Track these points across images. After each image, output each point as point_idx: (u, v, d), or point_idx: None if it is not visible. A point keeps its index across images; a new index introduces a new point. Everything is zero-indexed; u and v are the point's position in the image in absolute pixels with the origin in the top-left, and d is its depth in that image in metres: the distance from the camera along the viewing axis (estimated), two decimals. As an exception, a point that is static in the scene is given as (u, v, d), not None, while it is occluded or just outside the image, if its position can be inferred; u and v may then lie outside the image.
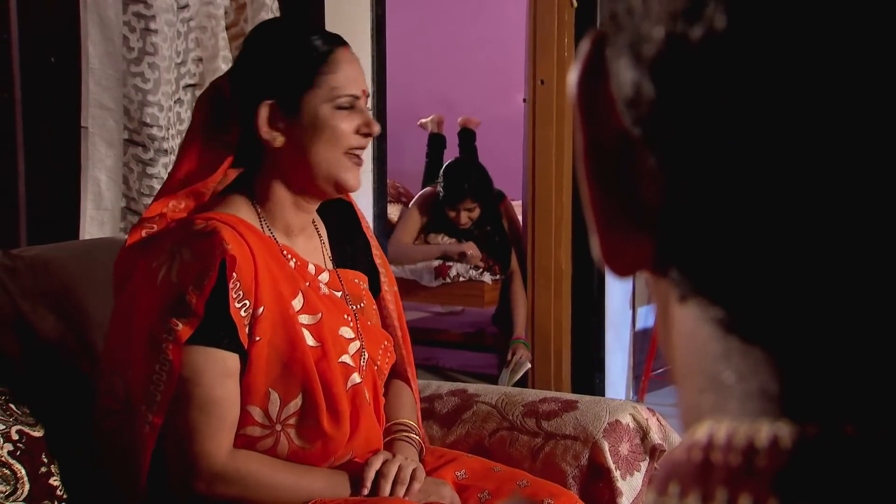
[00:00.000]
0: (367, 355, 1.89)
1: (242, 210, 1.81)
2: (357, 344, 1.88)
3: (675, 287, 0.38)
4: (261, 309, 1.72)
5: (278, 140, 1.76)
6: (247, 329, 1.72)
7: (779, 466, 0.33)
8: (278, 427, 1.76)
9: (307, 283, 1.83)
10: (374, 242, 2.06)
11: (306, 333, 1.78)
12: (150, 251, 1.77)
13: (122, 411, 1.76)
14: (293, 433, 1.77)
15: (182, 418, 1.71)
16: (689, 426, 0.38)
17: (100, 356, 1.84)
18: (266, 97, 1.75)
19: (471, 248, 4.95)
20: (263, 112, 1.75)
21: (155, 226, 1.80)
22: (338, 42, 1.81)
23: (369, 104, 1.86)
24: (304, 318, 1.79)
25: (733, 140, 0.34)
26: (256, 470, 1.74)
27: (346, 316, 1.87)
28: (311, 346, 1.78)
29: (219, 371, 1.71)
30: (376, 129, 1.80)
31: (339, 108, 1.77)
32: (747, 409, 0.36)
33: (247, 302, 1.71)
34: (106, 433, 1.79)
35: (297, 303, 1.79)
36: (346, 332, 1.86)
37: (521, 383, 4.57)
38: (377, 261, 2.06)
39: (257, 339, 1.72)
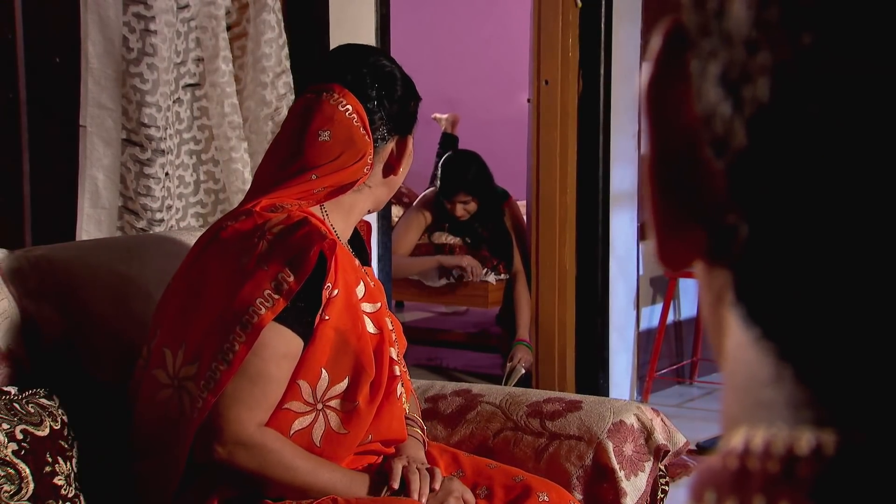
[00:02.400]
0: (398, 345, 1.96)
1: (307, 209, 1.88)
2: (394, 334, 1.95)
3: (733, 286, 0.38)
4: (336, 291, 1.80)
5: (398, 171, 1.95)
6: (321, 309, 1.79)
7: (820, 474, 0.33)
8: (319, 406, 1.81)
9: (362, 272, 1.93)
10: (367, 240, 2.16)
11: (367, 321, 1.86)
12: (226, 238, 1.81)
13: (170, 386, 1.80)
14: (332, 415, 1.81)
15: (229, 382, 1.74)
16: (726, 433, 0.38)
17: (153, 330, 1.87)
18: (407, 133, 1.96)
19: (468, 261, 4.90)
20: (410, 145, 1.96)
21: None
22: None
23: None
24: (366, 306, 1.87)
25: (821, 204, 0.34)
26: (280, 449, 1.76)
27: (384, 306, 1.96)
28: (372, 334, 1.86)
29: (281, 350, 1.76)
30: None
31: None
32: (786, 417, 0.35)
33: (329, 284, 1.79)
34: (152, 407, 1.82)
35: (360, 290, 1.87)
36: (388, 321, 1.94)
37: (525, 384, 4.56)
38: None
39: (326, 318, 1.79)
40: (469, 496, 1.90)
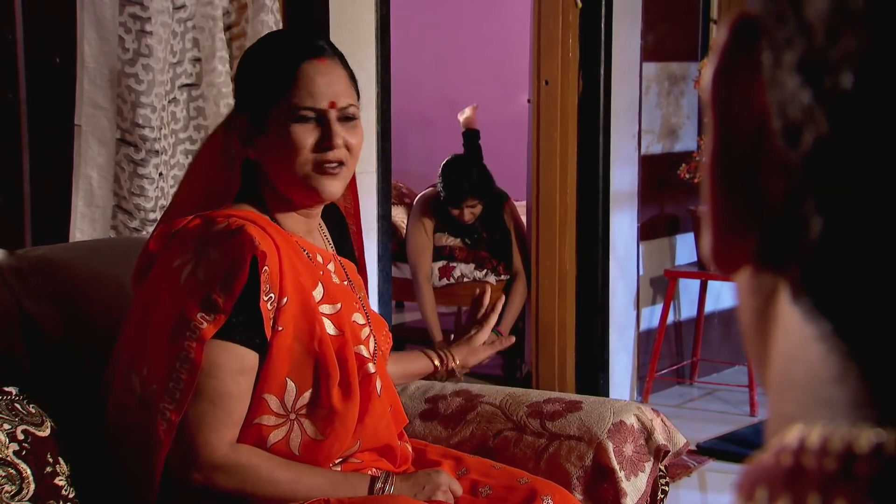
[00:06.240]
0: (375, 342, 1.92)
1: (252, 213, 1.84)
2: (367, 330, 1.91)
3: (793, 283, 0.37)
4: (284, 300, 1.76)
5: (250, 153, 1.83)
6: (271, 321, 1.75)
7: (880, 473, 0.32)
8: (292, 416, 1.79)
9: (321, 273, 1.88)
10: (354, 238, 2.13)
11: (327, 322, 1.82)
12: (170, 248, 1.79)
13: (138, 408, 1.77)
14: (306, 423, 1.79)
15: (191, 408, 1.73)
16: (777, 432, 0.37)
17: (115, 353, 1.85)
18: (242, 112, 1.84)
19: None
20: (240, 126, 1.84)
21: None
22: (313, 53, 1.84)
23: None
24: (325, 308, 1.83)
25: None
26: (257, 464, 1.75)
27: (354, 303, 1.91)
28: (332, 335, 1.82)
29: (236, 367, 1.74)
30: (336, 141, 1.82)
31: (299, 122, 1.81)
32: (847, 416, 0.35)
33: (273, 295, 1.74)
34: (122, 430, 1.80)
35: (318, 293, 1.83)
36: (359, 317, 1.89)
37: (525, 384, 4.57)
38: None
39: (280, 329, 1.76)
40: (456, 486, 1.90)
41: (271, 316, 1.75)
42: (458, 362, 2.23)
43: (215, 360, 1.72)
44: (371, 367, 1.87)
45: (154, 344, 1.76)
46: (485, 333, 2.25)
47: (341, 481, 1.81)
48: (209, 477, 1.74)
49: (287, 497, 1.76)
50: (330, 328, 1.82)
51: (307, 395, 1.79)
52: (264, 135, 1.81)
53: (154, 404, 1.74)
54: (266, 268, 1.72)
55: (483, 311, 2.28)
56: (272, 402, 1.77)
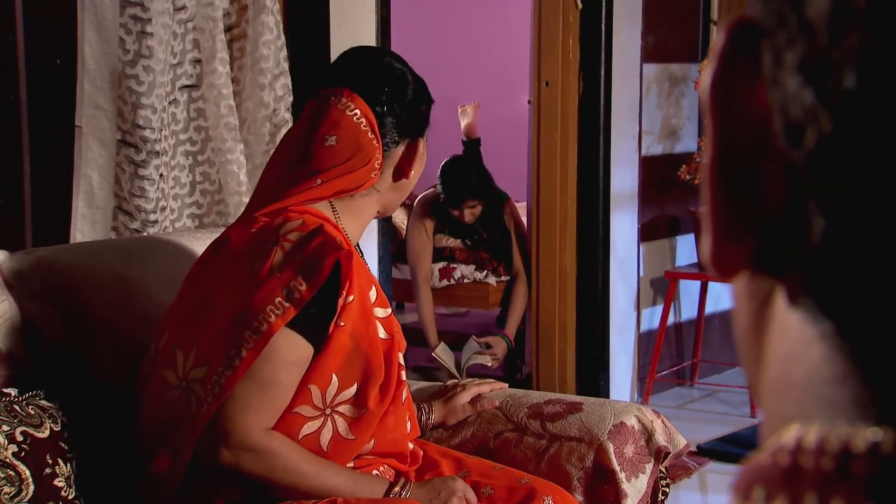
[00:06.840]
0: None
1: (320, 207, 1.88)
2: (399, 334, 1.94)
3: (790, 287, 0.37)
4: (351, 297, 1.79)
5: (409, 174, 1.94)
6: (336, 316, 1.78)
7: (877, 472, 0.32)
8: (328, 411, 1.81)
9: (372, 276, 1.92)
10: None
11: (379, 326, 1.85)
12: (239, 244, 1.82)
13: (180, 387, 1.80)
14: (340, 421, 1.81)
15: (238, 386, 1.74)
16: (774, 432, 0.37)
17: (161, 331, 1.87)
18: (418, 136, 1.93)
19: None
20: (421, 147, 1.96)
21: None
22: None
23: None
24: (378, 311, 1.86)
25: None
26: (286, 454, 1.77)
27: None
28: (382, 339, 1.85)
29: (292, 357, 1.76)
30: None
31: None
32: (848, 415, 0.34)
33: (343, 291, 1.77)
34: (160, 406, 1.82)
35: (373, 295, 1.86)
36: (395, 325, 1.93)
37: (526, 385, 4.57)
38: None
39: (342, 324, 1.78)
40: (471, 495, 1.91)
41: (338, 312, 1.78)
42: (434, 419, 2.23)
43: (275, 345, 1.74)
44: (403, 375, 1.91)
45: (210, 330, 1.78)
46: (466, 396, 2.24)
47: (360, 482, 1.83)
48: (238, 457, 1.75)
49: (307, 491, 1.78)
50: (381, 332, 1.85)
51: (346, 393, 1.81)
52: (417, 159, 1.95)
53: (197, 386, 1.76)
54: (351, 267, 1.77)
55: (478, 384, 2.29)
56: (315, 393, 1.79)
